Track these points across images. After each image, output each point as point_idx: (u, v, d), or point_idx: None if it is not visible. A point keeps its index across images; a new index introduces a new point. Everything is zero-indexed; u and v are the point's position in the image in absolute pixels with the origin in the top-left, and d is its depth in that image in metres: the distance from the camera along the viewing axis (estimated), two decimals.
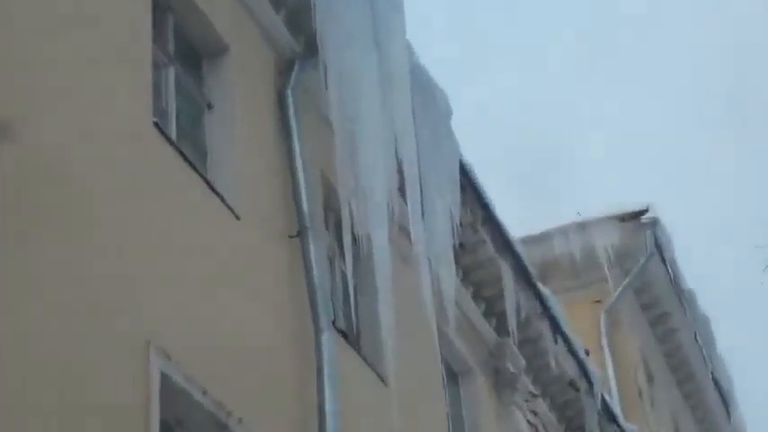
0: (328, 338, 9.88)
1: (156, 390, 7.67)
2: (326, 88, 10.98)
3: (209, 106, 10.28)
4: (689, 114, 78.58)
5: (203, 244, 9.01)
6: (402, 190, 11.74)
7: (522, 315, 15.46)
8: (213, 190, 9.44)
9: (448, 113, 13.12)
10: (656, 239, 23.86)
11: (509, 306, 14.96)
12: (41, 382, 6.69)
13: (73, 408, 6.90)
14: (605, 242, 23.10)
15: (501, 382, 15.24)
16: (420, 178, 11.86)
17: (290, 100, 10.87)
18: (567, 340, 17.08)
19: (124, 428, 7.30)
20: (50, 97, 7.50)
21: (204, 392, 8.23)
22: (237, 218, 9.59)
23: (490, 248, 14.77)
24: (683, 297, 25.80)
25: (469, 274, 14.67)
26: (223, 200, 9.49)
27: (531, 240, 21.55)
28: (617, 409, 19.83)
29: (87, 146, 7.77)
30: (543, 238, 22.88)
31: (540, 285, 16.44)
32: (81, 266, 7.37)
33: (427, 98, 12.57)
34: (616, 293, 23.00)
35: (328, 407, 9.55)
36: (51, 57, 7.59)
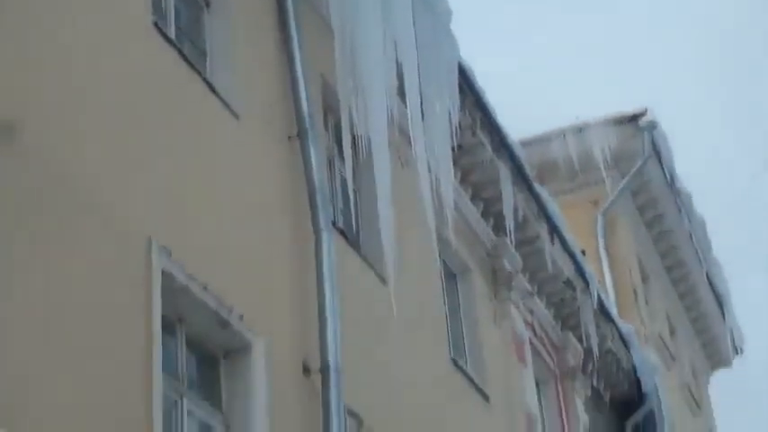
0: (328, 238, 9.91)
1: (158, 287, 7.72)
2: None
3: (207, 4, 10.18)
4: (687, 15, 77.88)
5: (203, 143, 9.00)
6: (401, 93, 11.68)
7: (520, 216, 15.48)
8: (212, 90, 9.38)
9: (448, 15, 12.98)
10: (653, 142, 23.78)
11: (507, 207, 14.96)
12: (42, 280, 6.72)
13: (74, 306, 6.93)
14: (603, 144, 23.04)
15: (498, 281, 15.31)
16: (419, 81, 11.79)
17: (290, 1, 10.76)
18: (563, 241, 17.13)
19: (126, 326, 7.34)
20: None
21: (205, 289, 8.28)
22: (237, 117, 9.56)
23: (488, 150, 14.72)
24: (679, 199, 25.81)
25: (468, 175, 14.65)
26: (222, 100, 9.45)
27: (529, 142, 21.49)
28: (612, 308, 19.96)
29: (86, 45, 7.72)
30: (541, 141, 22.83)
31: (537, 187, 16.43)
32: (82, 165, 7.37)
33: (430, 7, 12.43)
34: (613, 195, 23.00)
35: (328, 305, 9.63)
36: None
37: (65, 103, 7.33)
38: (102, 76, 7.78)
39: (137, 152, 8.02)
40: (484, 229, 15.10)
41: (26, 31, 7.03)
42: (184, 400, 8.15)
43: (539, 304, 16.79)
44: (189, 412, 8.21)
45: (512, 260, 15.41)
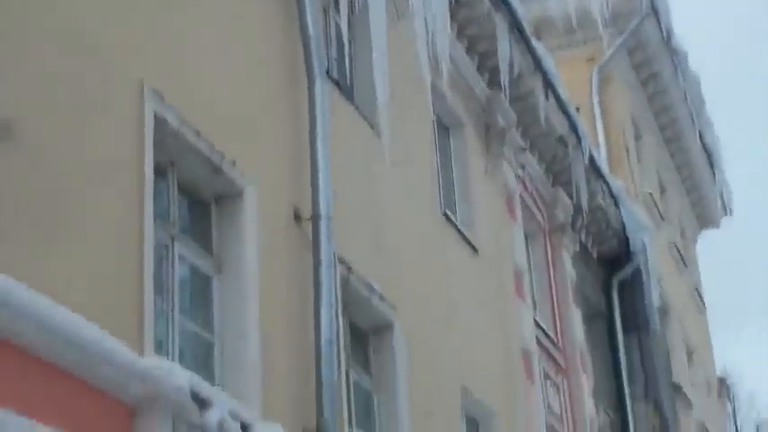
0: (321, 87, 9.85)
1: (150, 131, 7.70)
2: None
3: None
4: None
5: (189, 7, 8.77)
6: None
7: (515, 71, 15.38)
8: None
9: None
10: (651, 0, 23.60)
11: (502, 61, 14.84)
12: (45, 120, 6.70)
13: (63, 145, 6.93)
14: (601, 1, 22.77)
15: (491, 135, 15.29)
16: None
17: None
18: (558, 97, 17.07)
19: (119, 170, 7.35)
20: None
21: (198, 134, 8.25)
22: None
23: (486, 3, 14.55)
24: (675, 58, 25.67)
25: (464, 28, 14.50)
26: None
27: None
28: (604, 166, 20.01)
29: None
30: None
31: (534, 42, 16.30)
32: (78, 7, 7.28)
33: None
34: (609, 53, 22.87)
35: (320, 153, 9.63)
36: None
37: None
38: None
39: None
40: (478, 84, 15.01)
41: None
42: (175, 244, 8.21)
43: (531, 160, 16.81)
44: (180, 256, 8.28)
45: (505, 115, 15.35)
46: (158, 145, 7.82)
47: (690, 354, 26.30)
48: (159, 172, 7.98)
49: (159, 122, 7.83)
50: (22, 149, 6.49)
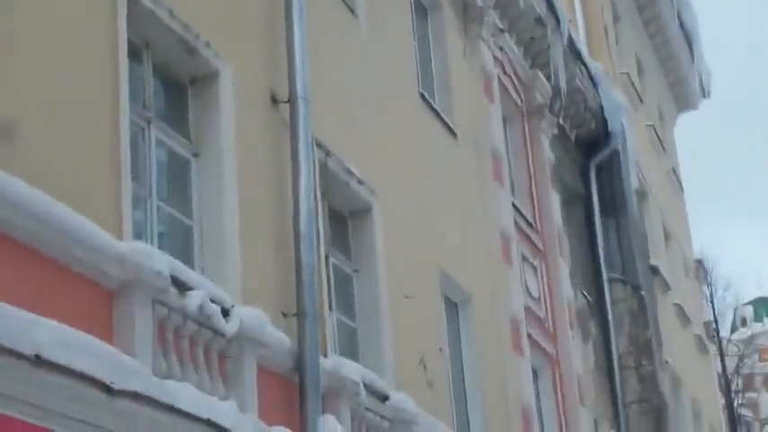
0: None
1: (123, 11, 7.59)
2: None
3: None
4: None
5: None
6: None
7: None
8: None
9: None
10: None
11: None
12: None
13: (41, 29, 6.84)
14: None
15: (469, 16, 15.18)
16: None
17: None
18: None
19: (92, 51, 7.30)
20: None
21: (171, 14, 8.16)
22: None
23: None
24: None
25: None
26: None
27: None
28: (582, 47, 19.94)
29: None
30: None
31: None
32: None
33: None
34: None
35: (297, 35, 9.54)
36: None
37: None
38: None
39: None
40: None
41: None
42: (152, 128, 8.19)
43: (509, 41, 16.70)
44: (157, 140, 8.26)
45: None
46: (132, 25, 7.73)
47: (667, 236, 26.52)
48: (133, 54, 7.90)
49: (132, 2, 7.72)
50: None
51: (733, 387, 42.72)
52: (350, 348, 10.51)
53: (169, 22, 8.16)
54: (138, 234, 7.58)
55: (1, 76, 6.46)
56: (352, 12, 11.33)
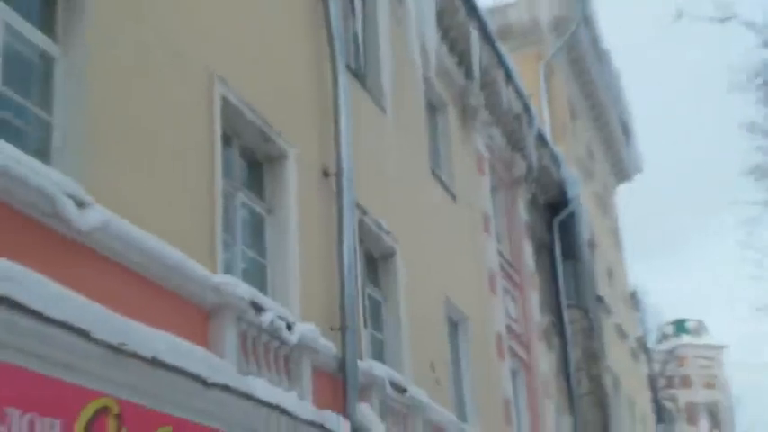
0: (343, 76, 9.76)
1: (218, 109, 7.66)
2: None
3: None
4: None
5: (247, 15, 8.66)
6: None
7: (484, 64, 15.31)
8: None
9: None
10: (585, 11, 23.43)
11: (474, 58, 14.78)
12: (125, 110, 6.67)
13: (156, 122, 6.90)
14: (547, 13, 22.63)
15: (466, 113, 15.23)
16: None
17: None
18: (515, 85, 17.00)
19: (195, 140, 7.33)
20: None
21: (253, 111, 8.22)
22: None
23: (462, 14, 14.46)
24: (603, 59, 25.55)
25: (447, 33, 14.38)
26: None
27: (495, 10, 21.15)
28: (548, 136, 19.95)
29: None
30: (503, 9, 22.37)
31: (497, 43, 16.20)
32: (162, 11, 7.23)
33: None
34: (552, 52, 22.70)
35: (342, 125, 9.56)
36: None
37: None
38: None
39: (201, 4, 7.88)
40: (457, 75, 14.93)
41: None
42: (238, 194, 8.22)
43: (495, 132, 16.74)
44: (241, 202, 8.30)
45: (477, 99, 15.28)
46: (224, 120, 7.78)
47: (609, 274, 26.37)
48: (225, 141, 7.95)
49: (225, 102, 7.78)
50: (122, 120, 6.50)
51: (658, 385, 42.20)
52: (379, 354, 10.47)
53: (252, 118, 8.22)
54: (227, 269, 7.59)
55: (136, 161, 6.52)
56: (383, 110, 11.38)
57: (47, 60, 6.14)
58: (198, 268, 6.82)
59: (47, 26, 6.19)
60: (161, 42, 7.08)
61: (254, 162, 8.69)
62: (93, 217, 5.78)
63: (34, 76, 6.10)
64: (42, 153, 5.90)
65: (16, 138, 5.65)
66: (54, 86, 6.10)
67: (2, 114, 5.72)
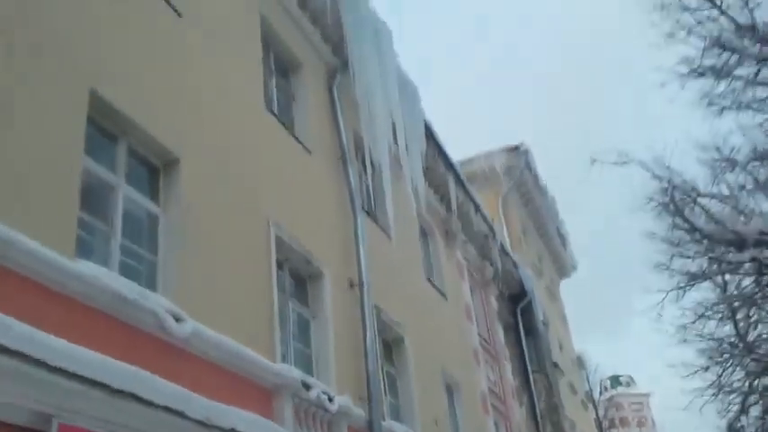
0: (360, 216, 9.87)
1: (273, 246, 7.71)
2: (355, 85, 10.79)
3: (293, 98, 10.01)
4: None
5: (295, 173, 8.80)
6: (395, 139, 11.61)
7: (459, 201, 15.45)
8: (293, 136, 9.15)
9: (417, 97, 12.88)
10: (527, 160, 23.81)
11: (452, 197, 14.94)
12: (208, 252, 6.70)
13: (226, 261, 6.91)
14: (501, 162, 23.01)
15: (449, 236, 15.26)
16: (404, 132, 11.71)
17: (336, 91, 10.66)
18: (482, 214, 17.08)
19: (258, 267, 7.35)
20: None
21: (299, 243, 8.26)
22: (310, 153, 9.39)
23: (442, 167, 14.70)
24: (542, 191, 25.79)
25: (432, 181, 14.57)
26: (301, 143, 9.26)
27: (463, 162, 21.40)
28: (508, 248, 19.92)
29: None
30: (470, 161, 22.70)
31: (467, 186, 16.39)
32: (235, 181, 7.31)
33: (406, 90, 12.31)
34: (505, 190, 22.96)
35: (362, 251, 9.58)
36: None
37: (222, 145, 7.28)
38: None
39: (260, 158, 7.98)
40: (441, 209, 15.05)
41: None
42: (290, 304, 8.17)
43: (470, 248, 16.74)
44: (292, 309, 8.24)
45: (455, 225, 15.35)
46: (278, 251, 7.84)
47: (561, 345, 25.85)
48: (279, 265, 8.00)
49: (278, 239, 7.87)
50: (206, 259, 6.53)
51: (603, 426, 40.72)
52: (396, 415, 10.18)
53: (298, 249, 8.26)
54: (284, 359, 7.48)
55: (216, 286, 6.50)
56: (389, 237, 11.42)
57: (152, 218, 6.26)
58: (262, 359, 6.74)
59: (153, 194, 6.33)
60: (235, 201, 7.21)
61: (300, 279, 8.68)
62: (187, 328, 5.78)
63: (144, 230, 6.21)
64: (151, 284, 5.94)
65: (134, 274, 5.72)
66: (158, 237, 6.20)
67: (123, 258, 5.80)
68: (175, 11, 7.08)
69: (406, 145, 11.76)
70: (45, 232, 4.82)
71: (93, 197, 5.64)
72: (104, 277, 5.18)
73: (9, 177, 4.79)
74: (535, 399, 18.93)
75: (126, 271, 5.63)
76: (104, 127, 5.92)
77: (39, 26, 5.39)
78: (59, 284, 4.88)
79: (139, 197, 6.11)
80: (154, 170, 6.38)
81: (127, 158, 6.07)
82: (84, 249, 5.34)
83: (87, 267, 5.10)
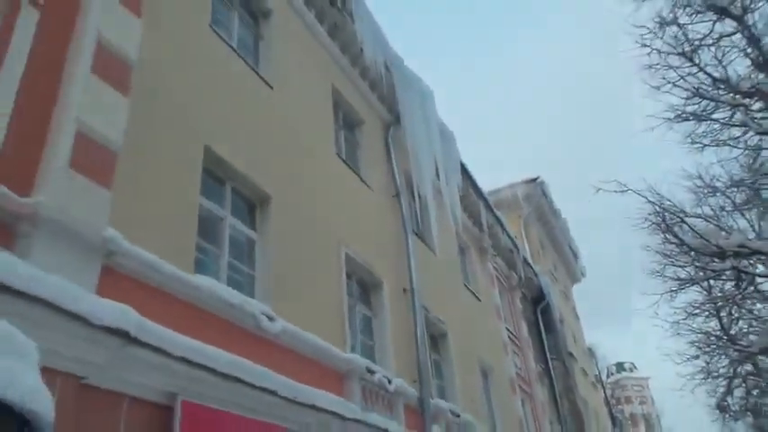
0: (411, 237, 9.77)
1: (343, 262, 7.71)
2: (405, 136, 10.81)
3: (358, 147, 10.05)
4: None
5: (358, 204, 8.80)
6: (437, 175, 11.59)
7: (489, 223, 15.24)
8: (360, 177, 9.16)
9: (454, 141, 12.83)
10: (542, 189, 23.37)
11: (483, 220, 14.74)
12: (295, 268, 6.74)
13: (308, 274, 6.93)
14: (522, 191, 22.65)
15: (482, 251, 15.05)
16: (445, 170, 11.68)
17: (390, 140, 10.71)
18: (507, 233, 16.79)
19: (332, 278, 7.35)
20: None
21: (363, 262, 8.24)
22: (371, 189, 9.40)
23: (474, 197, 14.55)
24: (556, 213, 25.25)
25: (466, 207, 14.41)
26: (366, 183, 9.31)
27: (491, 192, 21.18)
28: (530, 259, 19.49)
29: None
30: (497, 191, 22.41)
31: (495, 211, 16.17)
32: (310, 212, 7.39)
33: (447, 138, 12.31)
34: (526, 213, 22.54)
35: (413, 264, 9.47)
36: None
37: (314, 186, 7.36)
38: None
39: (343, 209, 8.02)
40: (475, 229, 14.86)
41: None
42: (357, 307, 8.13)
43: (499, 261, 16.47)
44: (358, 311, 8.20)
45: (486, 242, 15.11)
46: (348, 266, 7.84)
47: (574, 338, 25.00)
48: (348, 276, 8.00)
49: (347, 257, 7.87)
50: (292, 274, 6.57)
51: (611, 404, 39.12)
52: (442, 394, 9.99)
53: (363, 263, 8.23)
54: (352, 349, 7.44)
55: (300, 294, 6.49)
56: (434, 253, 11.30)
57: (251, 242, 6.37)
58: (336, 350, 6.73)
59: (251, 224, 6.45)
60: (314, 228, 7.28)
61: (365, 287, 8.64)
62: (278, 326, 5.83)
63: (245, 251, 6.32)
64: (250, 292, 6.03)
65: (237, 285, 5.81)
66: (255, 256, 6.30)
67: (230, 273, 5.92)
68: (267, 84, 7.27)
69: (446, 180, 11.70)
70: (173, 254, 4.99)
71: (207, 227, 5.82)
72: (215, 288, 5.30)
73: (147, 214, 4.99)
74: (554, 381, 18.34)
75: (232, 283, 5.75)
76: (215, 174, 6.10)
77: (169, 100, 5.62)
78: (182, 293, 5.04)
79: (241, 226, 6.25)
80: (252, 206, 6.52)
81: (232, 197, 6.22)
82: (200, 266, 5.51)
83: (203, 280, 5.23)
